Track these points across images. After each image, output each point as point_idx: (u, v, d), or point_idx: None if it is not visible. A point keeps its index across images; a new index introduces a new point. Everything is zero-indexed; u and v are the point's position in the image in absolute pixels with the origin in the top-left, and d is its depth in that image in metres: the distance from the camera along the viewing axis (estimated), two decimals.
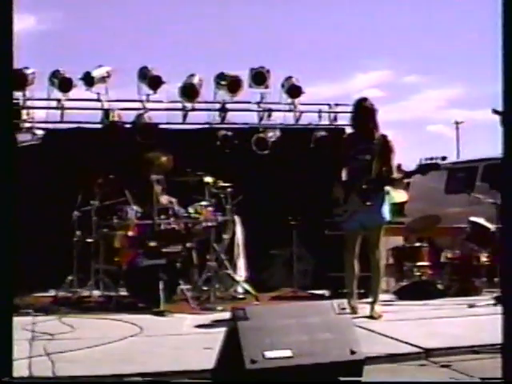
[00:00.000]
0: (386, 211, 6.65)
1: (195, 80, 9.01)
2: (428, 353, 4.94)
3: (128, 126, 8.94)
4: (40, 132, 8.41)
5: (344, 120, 9.27)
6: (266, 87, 9.29)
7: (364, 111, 6.61)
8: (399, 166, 7.51)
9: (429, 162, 6.47)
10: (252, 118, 9.59)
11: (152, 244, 7.44)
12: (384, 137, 6.62)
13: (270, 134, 9.36)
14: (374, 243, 6.64)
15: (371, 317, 6.46)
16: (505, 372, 3.59)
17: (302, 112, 9.58)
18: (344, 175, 6.70)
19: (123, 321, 6.32)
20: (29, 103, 8.48)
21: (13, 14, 3.45)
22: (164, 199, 7.82)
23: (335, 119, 9.68)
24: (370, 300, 6.79)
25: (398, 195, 8.69)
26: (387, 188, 6.68)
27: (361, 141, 6.63)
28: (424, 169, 6.60)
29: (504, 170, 3.59)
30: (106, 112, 8.79)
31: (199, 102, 9.19)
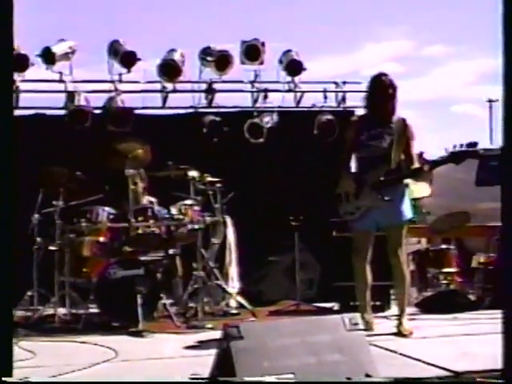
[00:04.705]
0: (407, 208, 6.64)
1: (176, 56, 9.02)
2: (459, 376, 4.89)
3: (97, 111, 8.93)
4: None
5: (353, 101, 9.30)
6: (261, 63, 9.32)
7: (382, 89, 6.51)
8: (421, 155, 7.44)
9: (464, 149, 6.39)
10: (244, 100, 9.65)
11: (127, 251, 7.43)
12: (403, 121, 6.58)
13: (266, 118, 9.41)
14: (396, 246, 6.61)
15: (399, 333, 6.47)
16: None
17: (303, 92, 9.61)
18: (354, 165, 6.67)
19: (94, 344, 6.30)
20: None
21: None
22: (145, 200, 7.82)
23: (343, 100, 9.72)
24: (396, 313, 6.84)
25: (419, 189, 8.64)
26: (407, 181, 6.65)
27: (374, 125, 6.59)
28: (458, 156, 6.51)
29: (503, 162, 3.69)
30: (71, 95, 8.79)
31: (181, 82, 9.22)
